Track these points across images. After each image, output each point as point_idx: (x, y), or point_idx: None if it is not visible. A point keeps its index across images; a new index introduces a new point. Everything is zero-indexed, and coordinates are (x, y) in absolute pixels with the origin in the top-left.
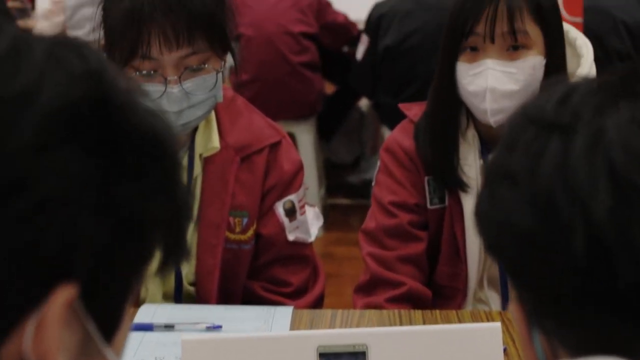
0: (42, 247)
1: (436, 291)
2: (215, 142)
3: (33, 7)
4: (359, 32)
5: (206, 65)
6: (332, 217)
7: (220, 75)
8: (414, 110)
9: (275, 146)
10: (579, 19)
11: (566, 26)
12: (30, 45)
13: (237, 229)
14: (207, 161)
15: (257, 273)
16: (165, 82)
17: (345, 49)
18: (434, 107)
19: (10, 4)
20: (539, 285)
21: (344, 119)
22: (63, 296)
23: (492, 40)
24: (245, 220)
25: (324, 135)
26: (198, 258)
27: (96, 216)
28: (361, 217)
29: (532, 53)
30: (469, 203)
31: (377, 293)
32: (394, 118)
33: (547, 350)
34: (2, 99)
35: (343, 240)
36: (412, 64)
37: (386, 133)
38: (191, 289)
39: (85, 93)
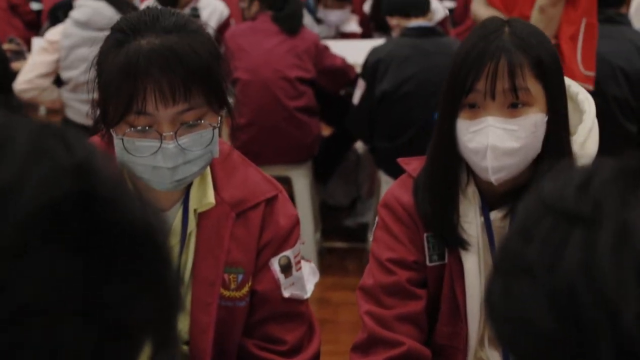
0: (18, 357)
1: (436, 350)
2: (211, 198)
3: (29, 49)
4: (357, 75)
5: (202, 121)
6: (328, 260)
7: (216, 131)
8: (413, 165)
9: (271, 201)
10: (592, 73)
11: (567, 81)
12: (13, 134)
13: (232, 286)
14: (201, 216)
15: (251, 330)
16: (161, 137)
17: (342, 91)
18: (433, 163)
19: (5, 47)
20: None
21: (341, 161)
22: None
23: (493, 97)
24: (240, 276)
25: (320, 178)
26: (192, 316)
27: (80, 322)
28: (357, 260)
29: (533, 110)
30: (469, 261)
31: (375, 353)
32: (390, 162)
33: None
34: None
35: (339, 285)
36: (409, 109)
37: (382, 176)
38: (185, 348)
39: (71, 188)
